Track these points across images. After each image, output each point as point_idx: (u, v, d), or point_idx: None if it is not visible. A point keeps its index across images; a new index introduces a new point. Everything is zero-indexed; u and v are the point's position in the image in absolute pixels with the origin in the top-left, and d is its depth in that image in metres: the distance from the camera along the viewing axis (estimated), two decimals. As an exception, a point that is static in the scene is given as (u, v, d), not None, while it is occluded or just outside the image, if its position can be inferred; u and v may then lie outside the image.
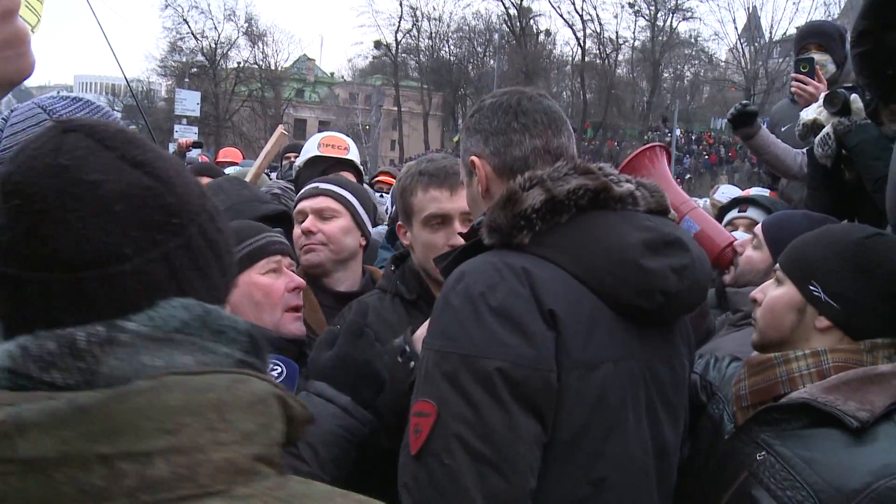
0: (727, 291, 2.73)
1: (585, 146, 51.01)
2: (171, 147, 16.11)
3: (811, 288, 1.80)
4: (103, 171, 0.89)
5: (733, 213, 3.35)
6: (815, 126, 2.88)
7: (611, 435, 1.49)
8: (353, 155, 3.93)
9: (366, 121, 57.13)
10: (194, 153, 9.18)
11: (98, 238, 0.87)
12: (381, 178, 8.37)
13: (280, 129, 4.38)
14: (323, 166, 3.69)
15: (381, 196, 6.63)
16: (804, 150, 3.91)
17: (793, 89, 3.71)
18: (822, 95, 2.89)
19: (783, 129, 4.12)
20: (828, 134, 2.80)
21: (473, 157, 1.71)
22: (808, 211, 2.80)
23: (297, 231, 2.64)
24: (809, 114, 2.92)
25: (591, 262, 1.52)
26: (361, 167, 4.07)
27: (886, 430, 1.59)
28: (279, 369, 1.81)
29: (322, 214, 2.61)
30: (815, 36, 3.95)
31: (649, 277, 1.52)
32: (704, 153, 51.56)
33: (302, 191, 2.77)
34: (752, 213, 3.23)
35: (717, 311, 2.84)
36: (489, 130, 1.70)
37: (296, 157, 6.17)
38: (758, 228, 2.69)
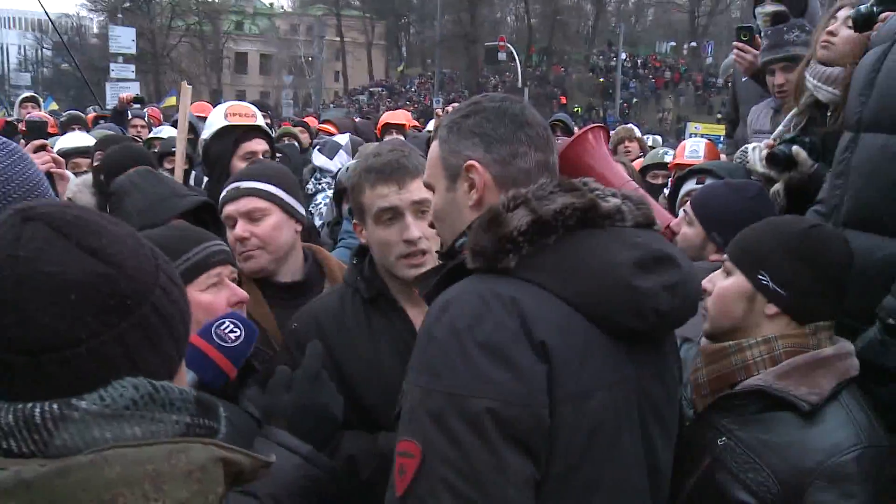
0: None
1: (532, 72, 50.62)
2: (109, 89, 15.33)
3: (760, 277, 1.92)
4: (59, 261, 0.96)
5: (691, 185, 3.30)
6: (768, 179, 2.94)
7: (607, 463, 1.44)
8: (261, 122, 3.80)
9: (308, 53, 55.78)
10: (136, 107, 9.06)
11: (54, 325, 0.94)
12: (322, 126, 8.39)
13: (184, 84, 4.36)
14: (234, 136, 3.57)
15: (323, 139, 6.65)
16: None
17: (734, 58, 3.79)
18: (764, 155, 2.92)
19: (744, 80, 4.08)
20: (777, 191, 2.86)
21: (473, 162, 1.58)
22: (728, 179, 2.86)
23: (230, 237, 2.54)
24: (759, 168, 2.97)
25: (581, 285, 1.44)
26: (271, 132, 3.91)
27: (833, 411, 1.79)
28: (237, 332, 1.80)
29: (251, 216, 2.53)
30: None
31: (642, 298, 1.45)
32: (650, 77, 51.67)
33: (224, 193, 2.63)
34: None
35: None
36: (493, 137, 1.58)
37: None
38: (687, 206, 2.74)
